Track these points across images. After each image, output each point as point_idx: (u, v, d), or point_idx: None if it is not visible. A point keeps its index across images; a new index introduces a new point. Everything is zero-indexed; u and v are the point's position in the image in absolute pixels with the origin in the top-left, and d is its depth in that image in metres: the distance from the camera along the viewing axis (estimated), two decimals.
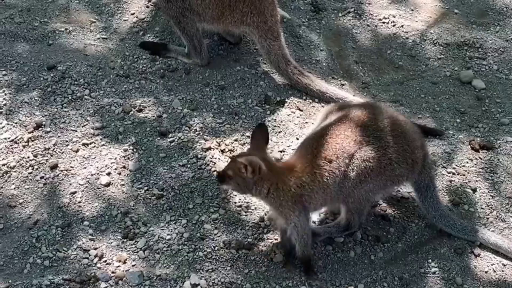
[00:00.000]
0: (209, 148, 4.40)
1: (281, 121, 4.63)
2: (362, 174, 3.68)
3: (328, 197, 3.70)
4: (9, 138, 4.38)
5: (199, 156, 4.36)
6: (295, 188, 3.60)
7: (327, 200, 3.75)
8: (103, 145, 4.37)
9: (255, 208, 4.09)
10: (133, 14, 5.44)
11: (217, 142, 4.42)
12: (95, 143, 4.40)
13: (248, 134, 4.48)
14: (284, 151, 4.43)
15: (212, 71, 4.99)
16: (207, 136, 4.49)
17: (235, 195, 4.12)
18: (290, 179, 3.60)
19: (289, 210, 3.64)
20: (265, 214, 4.04)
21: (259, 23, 4.70)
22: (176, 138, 4.44)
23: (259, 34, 4.74)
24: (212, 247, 3.89)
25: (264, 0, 4.67)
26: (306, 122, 4.65)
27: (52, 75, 4.84)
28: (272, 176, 3.58)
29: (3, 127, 4.45)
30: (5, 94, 4.67)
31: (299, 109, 4.75)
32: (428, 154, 4.04)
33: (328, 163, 3.65)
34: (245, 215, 4.06)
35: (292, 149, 4.43)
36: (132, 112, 4.62)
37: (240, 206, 4.10)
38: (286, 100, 4.80)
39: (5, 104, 4.60)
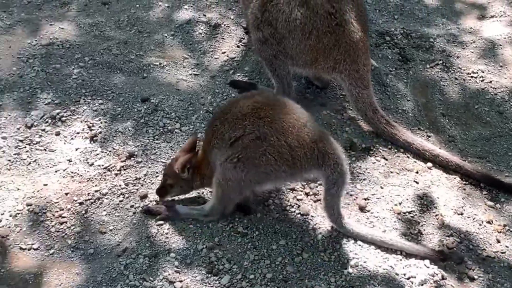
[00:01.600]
0: (293, 190, 4.45)
1: (366, 169, 4.65)
2: (237, 160, 3.91)
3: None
4: (102, 165, 4.55)
5: (284, 197, 4.42)
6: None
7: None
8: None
9: (338, 254, 4.08)
10: (224, 53, 5.59)
11: (302, 184, 4.46)
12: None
13: None
14: (368, 199, 4.44)
15: None
16: None
17: (320, 240, 4.13)
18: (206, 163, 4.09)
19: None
20: (347, 261, 4.02)
21: (351, 71, 4.77)
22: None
23: (349, 82, 4.81)
24: None
25: (358, 49, 4.73)
26: (391, 172, 4.66)
27: (145, 107, 5.00)
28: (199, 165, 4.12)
29: (98, 154, 4.63)
30: (101, 123, 4.85)
31: (384, 158, 4.77)
32: (331, 152, 4.01)
33: (219, 142, 4.01)
34: (328, 260, 4.05)
35: (377, 198, 4.44)
36: None
37: (323, 251, 4.10)
38: (372, 148, 4.82)
39: (100, 132, 4.78)
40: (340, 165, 4.01)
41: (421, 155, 4.76)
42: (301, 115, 4.09)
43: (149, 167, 4.57)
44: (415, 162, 4.77)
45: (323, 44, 4.70)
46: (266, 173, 4.00)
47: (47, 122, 4.85)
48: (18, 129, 4.79)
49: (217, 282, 3.94)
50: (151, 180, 4.49)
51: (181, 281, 3.93)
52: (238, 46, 5.65)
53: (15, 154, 4.61)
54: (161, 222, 4.20)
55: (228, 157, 3.97)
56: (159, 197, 4.22)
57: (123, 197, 4.37)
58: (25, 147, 4.67)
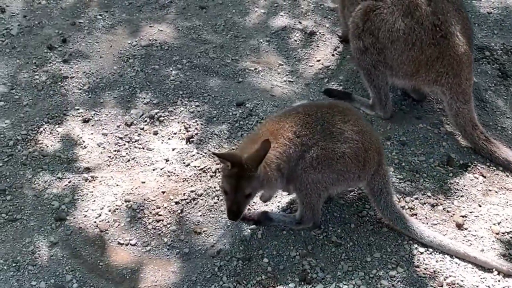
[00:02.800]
0: None
1: (464, 185, 4.55)
2: (314, 160, 3.89)
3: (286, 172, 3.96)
4: (198, 166, 4.61)
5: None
6: (276, 160, 3.92)
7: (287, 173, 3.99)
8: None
9: (434, 271, 4.00)
10: (318, 61, 5.59)
11: (397, 197, 4.40)
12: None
13: (429, 194, 4.45)
14: (465, 217, 4.34)
15: (393, 125, 4.99)
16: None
17: (416, 255, 4.05)
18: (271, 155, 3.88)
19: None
20: (444, 279, 3.94)
21: (453, 85, 4.67)
22: (356, 189, 4.46)
23: (450, 96, 4.71)
24: None
25: (462, 63, 4.63)
26: (490, 190, 4.54)
27: (240, 111, 5.04)
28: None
29: (194, 155, 4.69)
30: (197, 124, 4.92)
31: (482, 175, 4.65)
32: (383, 161, 4.16)
33: (292, 139, 3.95)
34: (423, 276, 3.98)
35: (475, 216, 4.33)
36: None
37: (418, 266, 4.02)
38: (469, 164, 4.71)
39: (196, 134, 4.85)
40: (387, 175, 4.19)
41: None
42: (367, 122, 4.25)
43: None
44: None
45: (426, 56, 4.63)
46: (341, 174, 4.05)
47: (145, 121, 4.96)
48: (118, 126, 4.91)
49: None
50: None
51: (274, 287, 3.92)
52: (333, 55, 5.63)
53: (115, 151, 4.73)
54: (254, 226, 4.20)
55: (310, 160, 3.97)
56: (235, 219, 3.93)
57: (218, 199, 4.42)
58: (124, 144, 4.78)
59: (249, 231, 4.22)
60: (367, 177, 4.16)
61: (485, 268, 4.03)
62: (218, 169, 4.61)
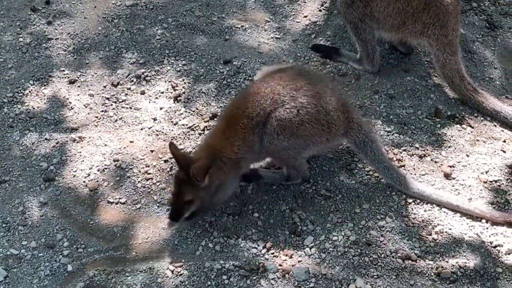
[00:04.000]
0: None
1: (451, 136, 4.56)
2: (275, 132, 3.87)
3: (256, 154, 3.97)
4: (186, 124, 4.61)
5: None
6: (234, 154, 3.85)
7: (255, 158, 4.04)
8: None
9: (423, 220, 4.03)
10: (306, 16, 5.54)
11: (385, 149, 4.40)
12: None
13: (417, 145, 4.45)
14: (453, 167, 4.36)
15: (381, 79, 4.98)
16: None
17: (404, 205, 4.09)
18: (226, 151, 3.85)
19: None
20: (432, 228, 3.97)
21: (439, 36, 4.65)
22: (344, 142, 4.46)
23: (437, 47, 4.69)
24: (378, 253, 3.90)
25: (448, 13, 4.60)
26: (477, 140, 4.56)
27: (228, 69, 5.02)
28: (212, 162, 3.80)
29: (181, 113, 4.69)
30: (184, 83, 4.91)
31: (470, 126, 4.66)
32: (354, 115, 4.15)
33: (250, 121, 3.85)
34: (412, 226, 4.01)
35: (463, 166, 4.35)
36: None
37: (406, 216, 4.06)
38: (457, 115, 4.72)
39: (184, 92, 4.83)
40: (363, 126, 4.16)
41: (509, 123, 4.62)
42: (328, 82, 4.27)
43: None
44: (503, 131, 4.65)
45: (412, 7, 4.60)
46: (307, 139, 4.00)
47: (132, 81, 4.93)
48: (105, 87, 4.89)
49: (300, 242, 3.95)
50: None
51: (264, 240, 3.96)
52: (320, 10, 5.58)
53: (102, 111, 4.72)
54: (244, 183, 4.21)
55: (271, 132, 3.93)
56: (173, 222, 3.96)
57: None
58: (111, 104, 4.76)
59: (239, 187, 4.21)
60: (339, 136, 4.14)
61: (474, 217, 4.04)
62: (206, 127, 4.59)
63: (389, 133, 4.55)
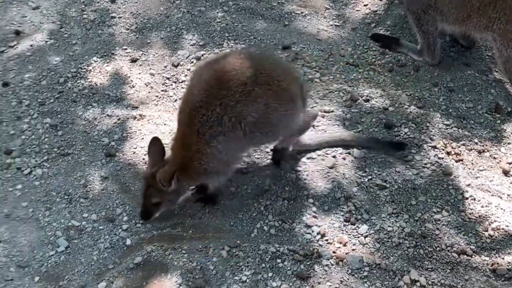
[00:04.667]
0: (435, 148, 4.38)
1: (511, 133, 4.49)
2: (255, 126, 3.74)
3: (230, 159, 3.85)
4: None
5: (423, 154, 4.36)
6: (197, 164, 3.76)
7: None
8: (328, 128, 4.53)
9: (479, 215, 4.01)
10: (366, 5, 5.52)
11: (443, 143, 4.40)
12: (322, 125, 4.52)
13: (476, 140, 4.43)
14: None
15: (441, 71, 4.95)
16: (433, 135, 4.47)
17: (461, 200, 4.07)
18: (192, 162, 3.75)
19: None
20: (489, 224, 3.95)
21: (504, 31, 4.59)
22: (401, 133, 4.48)
23: (501, 42, 4.63)
24: (434, 246, 3.90)
25: None
26: None
27: (286, 54, 5.05)
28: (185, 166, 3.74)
29: None
30: None
31: None
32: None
33: (203, 135, 3.69)
34: (468, 221, 3.99)
35: None
36: (359, 100, 4.72)
37: (463, 211, 4.04)
38: None
39: None
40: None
41: None
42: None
43: None
44: None
45: (478, 0, 4.53)
46: (279, 125, 3.91)
47: (192, 62, 4.99)
48: (165, 67, 4.96)
49: (355, 231, 3.97)
50: None
51: (318, 226, 3.98)
52: (380, 0, 5.53)
53: (162, 90, 4.79)
54: (299, 168, 4.23)
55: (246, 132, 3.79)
56: (144, 220, 3.95)
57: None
58: (171, 84, 4.83)
59: (294, 172, 4.24)
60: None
61: None
62: None
63: (447, 127, 4.53)
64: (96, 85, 4.76)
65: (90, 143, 4.41)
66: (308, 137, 4.31)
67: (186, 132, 3.74)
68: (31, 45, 5.10)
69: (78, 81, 4.79)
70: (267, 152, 4.35)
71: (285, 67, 4.18)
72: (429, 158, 4.33)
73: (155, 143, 3.84)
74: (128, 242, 3.89)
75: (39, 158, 4.32)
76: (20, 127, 4.50)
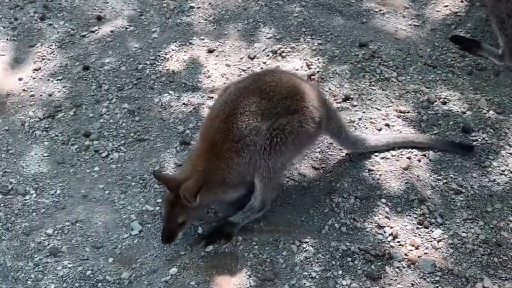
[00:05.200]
0: None
1: None
2: (277, 145, 3.70)
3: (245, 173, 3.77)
4: None
5: (501, 160, 4.29)
6: (219, 176, 3.71)
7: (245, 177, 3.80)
8: (403, 129, 4.48)
9: None
10: (446, 6, 5.43)
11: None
12: (396, 126, 4.47)
13: None
14: None
15: None
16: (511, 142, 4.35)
17: None
18: (213, 174, 3.69)
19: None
20: None
21: None
22: (479, 138, 4.39)
23: None
24: (509, 255, 3.81)
25: None
26: None
27: (363, 52, 5.01)
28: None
29: None
30: (319, 62, 4.93)
31: None
32: (330, 104, 4.18)
33: (236, 144, 3.67)
34: None
35: None
36: (436, 102, 4.64)
37: None
38: None
39: (318, 72, 4.86)
40: (334, 112, 4.22)
41: None
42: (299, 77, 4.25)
43: (364, 112, 4.60)
44: None
45: None
46: (304, 141, 3.93)
47: (268, 55, 5.01)
48: (241, 58, 4.99)
49: (428, 234, 3.92)
50: (365, 125, 4.53)
51: (391, 227, 3.95)
52: (461, 1, 5.46)
53: None
54: (372, 168, 4.20)
55: (272, 145, 3.78)
56: (167, 243, 3.77)
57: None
58: None
59: (367, 171, 4.21)
60: (323, 130, 4.07)
61: None
62: (338, 108, 4.61)
63: None
64: (173, 73, 4.83)
65: (165, 130, 4.47)
66: (375, 137, 4.32)
67: (216, 141, 3.72)
68: (112, 31, 5.19)
69: (156, 68, 4.86)
70: (340, 149, 4.31)
71: (317, 89, 4.25)
72: (507, 165, 4.23)
73: (159, 174, 3.93)
74: (200, 230, 3.93)
75: (116, 142, 4.40)
76: (99, 111, 4.59)
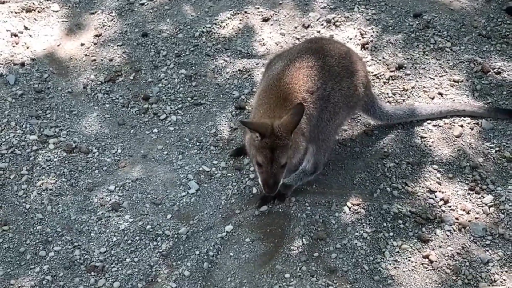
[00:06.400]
0: None
1: None
2: (335, 107, 3.79)
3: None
4: (372, 72, 4.68)
5: None
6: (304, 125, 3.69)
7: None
8: (457, 98, 4.52)
9: None
10: None
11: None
12: (449, 95, 4.50)
13: None
14: None
15: None
16: None
17: None
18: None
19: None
20: None
21: None
22: None
23: None
24: None
25: None
26: None
27: (417, 22, 5.02)
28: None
29: (368, 61, 4.77)
30: (373, 32, 4.97)
31: None
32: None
33: (310, 95, 3.67)
34: None
35: None
36: (490, 73, 4.64)
37: None
38: None
39: (371, 41, 4.91)
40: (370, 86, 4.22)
41: None
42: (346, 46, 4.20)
43: (417, 81, 4.63)
44: None
45: None
46: (354, 105, 4.04)
47: (322, 24, 5.07)
48: (296, 27, 5.06)
49: (479, 200, 3.96)
50: (418, 93, 4.56)
51: (442, 192, 4.00)
52: None
53: None
54: (424, 135, 4.25)
55: (332, 108, 3.86)
56: (272, 191, 3.59)
57: (390, 105, 4.47)
58: None
59: (418, 137, 4.26)
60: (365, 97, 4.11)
61: None
62: (391, 76, 4.65)
63: None
64: (229, 40, 4.94)
65: (221, 95, 4.59)
66: (422, 107, 4.38)
67: (290, 92, 3.73)
68: (169, 0, 5.32)
69: (212, 36, 4.99)
70: None
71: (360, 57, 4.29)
72: None
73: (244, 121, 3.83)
74: (254, 190, 4.05)
75: (174, 106, 4.54)
76: (158, 76, 4.74)
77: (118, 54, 4.93)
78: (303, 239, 3.77)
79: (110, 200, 4.01)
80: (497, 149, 4.19)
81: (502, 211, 3.88)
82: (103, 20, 5.20)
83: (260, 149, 3.48)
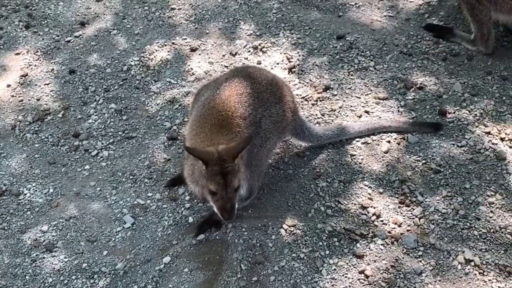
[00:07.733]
0: (489, 133, 4.45)
1: None
2: (266, 132, 3.88)
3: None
4: (300, 95, 4.80)
5: (477, 140, 4.43)
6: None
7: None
8: (382, 115, 4.66)
9: None
10: None
11: (497, 129, 4.46)
12: (375, 112, 4.64)
13: None
14: None
15: (495, 60, 5.02)
16: (487, 122, 4.53)
17: None
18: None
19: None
20: None
21: None
22: (455, 120, 4.54)
23: None
24: (488, 228, 3.96)
25: None
26: None
27: (341, 44, 5.17)
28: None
29: (296, 84, 4.88)
30: (299, 55, 5.09)
31: None
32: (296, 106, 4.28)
33: (244, 121, 3.76)
34: None
35: None
36: (413, 88, 4.81)
37: None
38: None
39: (298, 64, 5.02)
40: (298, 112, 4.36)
41: None
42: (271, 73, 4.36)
43: (344, 101, 4.76)
44: None
45: None
46: (284, 130, 4.16)
47: (249, 51, 5.16)
48: (223, 56, 5.14)
49: (410, 212, 4.07)
50: (345, 113, 4.68)
51: (374, 207, 4.10)
52: None
53: None
54: (354, 153, 4.36)
55: (264, 134, 3.97)
56: (230, 217, 3.65)
57: (319, 126, 4.57)
58: None
59: (349, 155, 4.37)
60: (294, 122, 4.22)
61: None
62: (319, 98, 4.76)
63: (501, 114, 4.61)
64: (158, 72, 4.98)
65: (153, 127, 4.61)
66: (354, 125, 4.52)
67: (224, 118, 3.83)
68: (96, 35, 5.35)
69: (141, 69, 5.02)
70: None
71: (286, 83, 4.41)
72: (483, 144, 4.40)
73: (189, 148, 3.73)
74: (191, 220, 4.07)
75: (105, 141, 4.53)
76: (87, 112, 4.73)
77: (45, 93, 4.90)
78: (241, 265, 3.79)
79: (44, 241, 3.97)
80: (423, 161, 4.32)
81: (432, 222, 4.00)
82: (29, 60, 5.16)
83: (211, 177, 3.51)
